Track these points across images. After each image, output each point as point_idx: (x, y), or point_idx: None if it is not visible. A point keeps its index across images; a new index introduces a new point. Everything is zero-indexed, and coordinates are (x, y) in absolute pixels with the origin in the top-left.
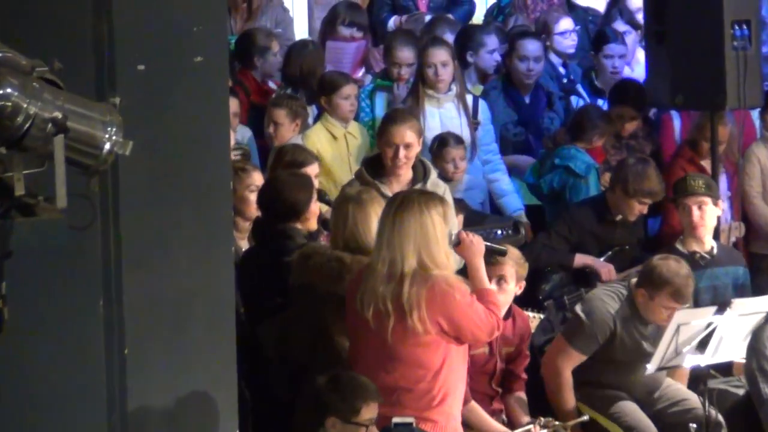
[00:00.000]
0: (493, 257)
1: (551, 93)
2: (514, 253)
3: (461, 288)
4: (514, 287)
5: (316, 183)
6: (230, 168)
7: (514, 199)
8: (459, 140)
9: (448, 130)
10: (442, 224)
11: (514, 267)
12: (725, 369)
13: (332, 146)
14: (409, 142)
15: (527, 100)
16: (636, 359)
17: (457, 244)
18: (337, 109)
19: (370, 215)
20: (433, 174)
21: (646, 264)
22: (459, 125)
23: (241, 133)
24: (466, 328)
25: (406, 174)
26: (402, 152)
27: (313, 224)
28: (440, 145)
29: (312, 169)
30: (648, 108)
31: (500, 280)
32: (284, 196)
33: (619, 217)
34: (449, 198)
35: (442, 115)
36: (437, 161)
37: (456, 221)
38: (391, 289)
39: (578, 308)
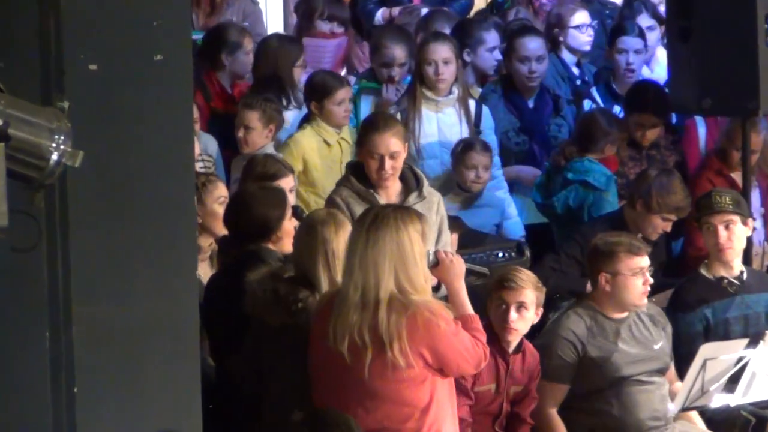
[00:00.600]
0: (511, 282)
1: (558, 97)
2: (531, 276)
3: (445, 315)
4: (533, 315)
5: (291, 198)
6: (194, 181)
7: (516, 226)
8: (486, 147)
9: (464, 137)
10: (420, 243)
11: (534, 292)
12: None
13: (324, 153)
14: (395, 150)
15: (531, 104)
16: (621, 371)
17: (435, 265)
18: (330, 116)
19: (316, 241)
20: (426, 182)
21: (587, 255)
22: (459, 133)
23: (204, 142)
24: (452, 360)
25: (394, 185)
26: (388, 163)
27: (287, 245)
28: (465, 149)
29: (286, 182)
30: (670, 114)
31: (520, 307)
32: (254, 212)
33: (638, 236)
34: (443, 210)
35: (441, 120)
36: (457, 167)
37: (449, 240)
38: (366, 317)
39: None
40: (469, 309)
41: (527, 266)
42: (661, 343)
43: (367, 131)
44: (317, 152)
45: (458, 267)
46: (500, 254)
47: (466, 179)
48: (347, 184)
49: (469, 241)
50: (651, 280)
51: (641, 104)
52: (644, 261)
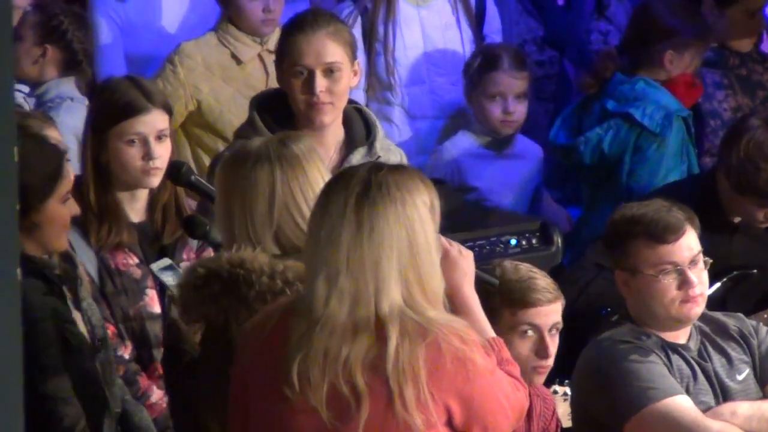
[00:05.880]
0: (541, 293)
1: None
2: (550, 283)
3: (479, 343)
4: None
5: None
6: (14, 126)
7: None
8: (520, 62)
9: (481, 45)
10: (432, 226)
11: (561, 302)
12: None
13: (232, 75)
14: (332, 62)
15: (560, 0)
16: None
17: None
18: (241, 15)
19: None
20: (381, 131)
21: (595, 245)
22: (456, 40)
23: None
24: (489, 414)
25: (335, 128)
26: (320, 82)
27: (56, 240)
28: (486, 65)
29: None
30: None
31: (553, 330)
32: None
33: (737, 219)
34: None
35: (426, 22)
36: (474, 96)
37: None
38: (361, 348)
39: None
40: (490, 329)
41: (557, 261)
42: (746, 372)
43: (286, 35)
44: (220, 73)
45: (469, 263)
46: (513, 241)
47: (490, 116)
48: (247, 129)
49: (463, 217)
50: (696, 282)
51: None
52: (679, 251)
